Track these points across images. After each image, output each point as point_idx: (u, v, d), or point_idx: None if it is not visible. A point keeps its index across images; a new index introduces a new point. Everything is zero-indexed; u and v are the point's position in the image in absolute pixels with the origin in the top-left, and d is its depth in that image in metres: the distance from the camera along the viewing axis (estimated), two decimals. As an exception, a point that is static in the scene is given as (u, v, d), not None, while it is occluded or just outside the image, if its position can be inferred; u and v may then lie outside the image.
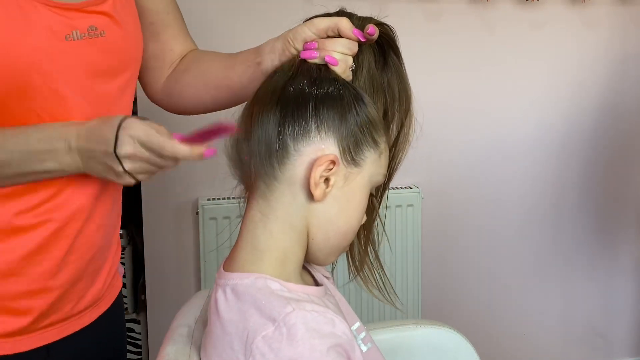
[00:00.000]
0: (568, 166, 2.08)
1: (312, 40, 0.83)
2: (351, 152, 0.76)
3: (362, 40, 0.82)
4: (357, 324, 0.90)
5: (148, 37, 0.99)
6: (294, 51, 0.85)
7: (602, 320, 2.21)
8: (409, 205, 1.89)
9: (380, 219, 0.91)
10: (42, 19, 0.80)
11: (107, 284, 0.98)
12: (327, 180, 0.75)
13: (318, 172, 0.73)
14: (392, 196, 1.92)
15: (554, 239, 2.11)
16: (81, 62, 0.84)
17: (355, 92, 0.78)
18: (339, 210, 0.77)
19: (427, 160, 1.94)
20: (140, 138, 0.77)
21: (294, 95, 0.76)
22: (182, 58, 1.03)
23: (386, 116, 0.84)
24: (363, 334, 0.89)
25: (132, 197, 1.82)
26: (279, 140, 0.74)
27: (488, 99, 1.98)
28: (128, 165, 0.78)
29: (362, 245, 0.89)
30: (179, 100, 1.02)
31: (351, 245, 0.88)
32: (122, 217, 1.02)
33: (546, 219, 2.09)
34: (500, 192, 2.03)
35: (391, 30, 0.87)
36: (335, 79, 0.79)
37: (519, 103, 2.00)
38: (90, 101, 0.86)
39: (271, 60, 0.88)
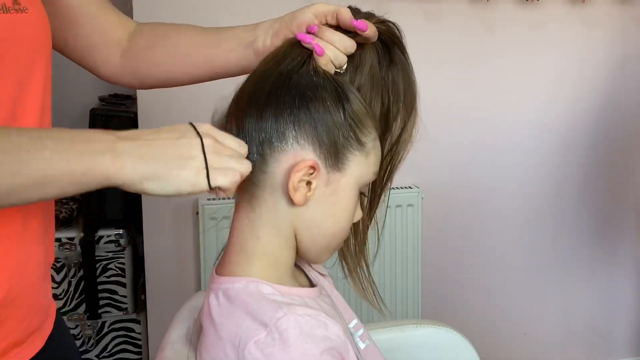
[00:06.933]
0: (568, 166, 2.08)
1: (314, 25, 0.79)
2: (332, 158, 0.73)
3: (360, 30, 0.78)
4: (355, 321, 0.89)
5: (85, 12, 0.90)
6: (289, 34, 0.81)
7: (602, 320, 2.21)
8: (409, 205, 1.89)
9: (376, 221, 0.88)
10: None
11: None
12: (309, 183, 0.73)
13: (296, 178, 0.71)
14: (392, 196, 1.91)
15: (554, 239, 2.11)
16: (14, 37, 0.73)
17: (336, 88, 0.74)
18: (324, 213, 0.75)
19: (427, 160, 1.94)
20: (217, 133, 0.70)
21: (271, 99, 0.73)
22: (136, 33, 0.95)
23: (389, 114, 0.82)
24: (361, 331, 0.88)
25: (132, 197, 1.82)
26: (258, 149, 0.73)
27: (488, 99, 1.98)
28: (209, 152, 0.67)
29: (355, 250, 0.87)
30: (146, 78, 0.95)
31: (344, 248, 0.86)
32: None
33: (546, 219, 2.09)
34: (500, 192, 2.03)
35: (397, 28, 0.85)
36: (317, 75, 0.75)
37: (519, 103, 2.00)
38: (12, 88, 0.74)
39: (263, 40, 0.83)
